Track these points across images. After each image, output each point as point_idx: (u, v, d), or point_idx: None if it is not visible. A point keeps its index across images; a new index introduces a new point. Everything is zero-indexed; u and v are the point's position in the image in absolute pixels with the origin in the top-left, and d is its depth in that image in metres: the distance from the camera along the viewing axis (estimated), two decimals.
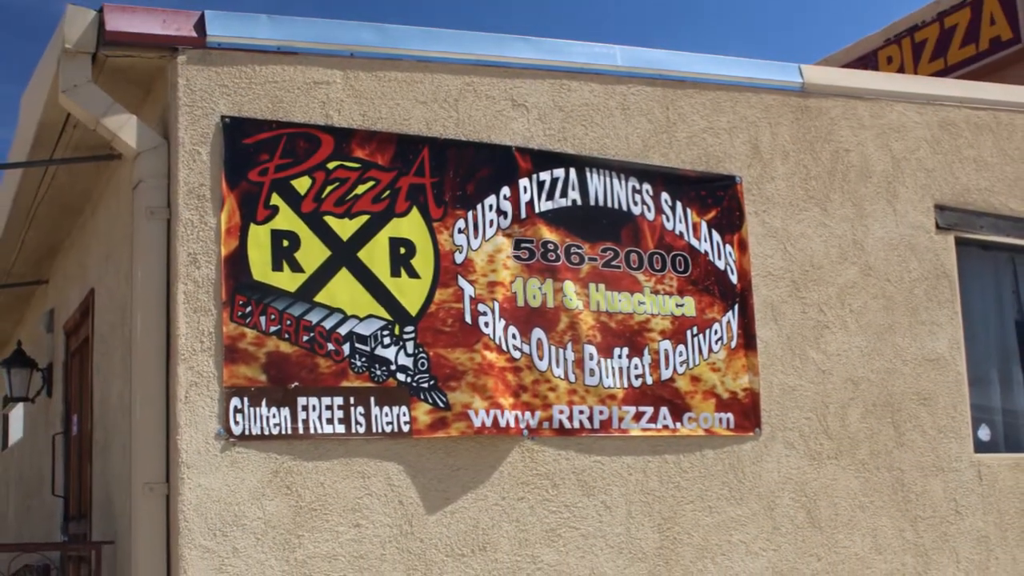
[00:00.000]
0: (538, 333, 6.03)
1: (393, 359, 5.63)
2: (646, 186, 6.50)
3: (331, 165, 5.66)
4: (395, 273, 5.71)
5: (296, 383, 5.41)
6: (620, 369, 6.23)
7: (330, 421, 5.46)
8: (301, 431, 5.39)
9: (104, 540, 6.34)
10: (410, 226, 5.79)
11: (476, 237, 5.95)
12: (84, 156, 6.47)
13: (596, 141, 6.43)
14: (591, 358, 6.14)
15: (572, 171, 6.30)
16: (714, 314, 6.57)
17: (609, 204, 6.37)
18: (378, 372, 5.59)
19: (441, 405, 5.71)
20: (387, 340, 5.63)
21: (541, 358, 6.02)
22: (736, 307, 6.66)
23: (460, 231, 5.91)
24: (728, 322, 6.61)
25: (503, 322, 5.94)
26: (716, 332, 6.56)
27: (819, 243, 7.09)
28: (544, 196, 6.19)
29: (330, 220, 5.61)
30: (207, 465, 5.19)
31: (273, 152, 5.54)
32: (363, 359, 5.57)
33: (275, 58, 5.66)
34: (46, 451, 8.92)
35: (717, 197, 6.72)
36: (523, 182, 6.14)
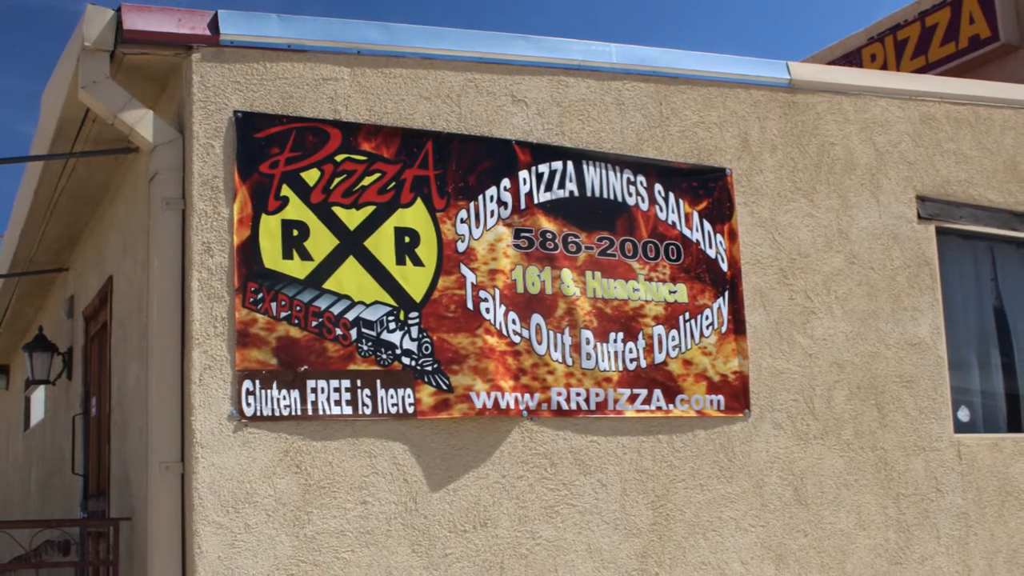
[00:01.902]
0: (537, 319, 6.03)
1: (398, 343, 5.63)
2: (640, 178, 6.49)
3: (339, 158, 5.65)
4: (400, 261, 5.71)
5: (305, 366, 5.41)
6: (615, 353, 6.22)
7: (338, 403, 5.46)
8: (310, 412, 5.39)
9: (122, 517, 6.35)
10: (414, 216, 5.79)
11: (478, 227, 5.95)
12: (102, 149, 6.46)
13: (593, 135, 6.42)
14: (588, 342, 6.14)
15: (569, 164, 6.29)
16: (705, 300, 6.57)
17: (605, 195, 6.36)
18: (384, 356, 5.59)
19: (444, 387, 5.71)
20: (392, 325, 5.63)
21: (540, 342, 6.02)
22: (726, 294, 6.65)
23: (462, 221, 5.90)
24: (719, 308, 6.61)
25: (503, 308, 5.94)
26: (707, 318, 6.56)
27: (806, 232, 7.09)
28: (543, 187, 6.18)
29: (338, 210, 5.61)
30: (220, 445, 5.20)
31: (283, 145, 5.54)
32: (369, 343, 5.57)
33: (285, 55, 5.66)
34: (66, 432, 8.93)
35: (708, 188, 6.71)
36: (523, 174, 6.14)
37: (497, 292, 5.93)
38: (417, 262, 5.75)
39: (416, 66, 5.98)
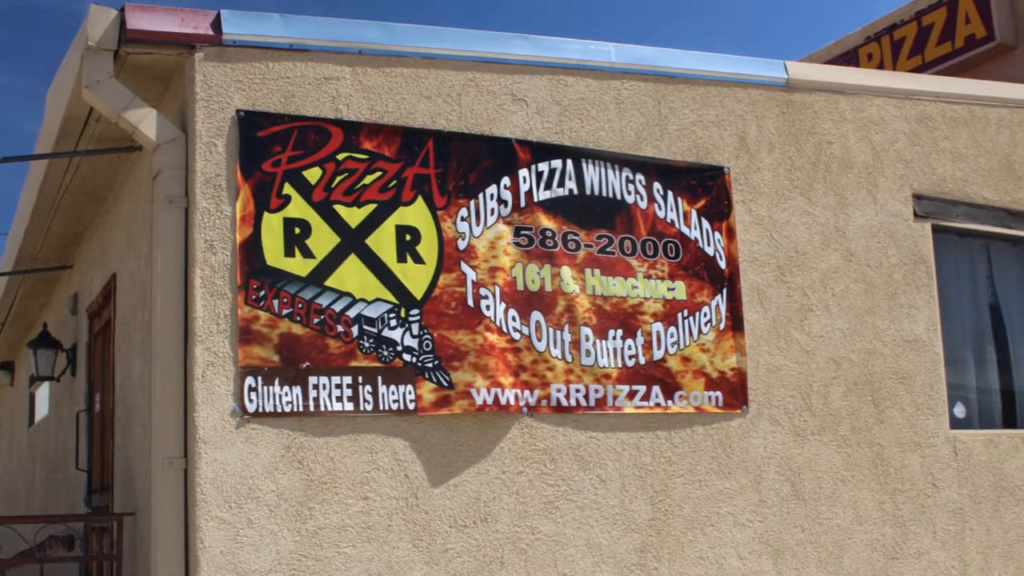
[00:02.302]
0: (537, 316, 6.03)
1: (399, 340, 5.63)
2: (639, 176, 6.49)
3: (340, 156, 5.65)
4: (401, 259, 5.71)
5: (307, 363, 5.41)
6: (614, 350, 6.22)
7: (339, 399, 5.46)
8: (312, 409, 5.39)
9: (125, 512, 6.35)
10: (415, 214, 5.78)
11: (478, 225, 5.95)
12: (106, 148, 6.46)
13: (592, 133, 6.42)
14: (587, 339, 6.14)
15: (569, 162, 6.29)
16: (704, 298, 6.57)
17: (604, 193, 6.36)
18: (385, 353, 5.59)
19: (445, 384, 5.71)
20: (393, 322, 5.63)
21: (539, 339, 6.02)
22: (724, 291, 6.65)
23: (463, 219, 5.90)
24: (717, 305, 6.61)
25: (503, 305, 5.94)
26: (705, 315, 6.56)
27: (803, 230, 7.08)
28: (542, 186, 6.18)
29: (339, 208, 5.61)
30: (223, 441, 5.20)
31: (285, 144, 5.54)
32: (371, 340, 5.57)
33: (287, 55, 5.65)
34: (70, 427, 8.93)
35: (706, 186, 6.71)
36: (522, 172, 6.14)
37: (497, 289, 5.93)
38: (418, 260, 5.75)
39: (417, 65, 5.98)
